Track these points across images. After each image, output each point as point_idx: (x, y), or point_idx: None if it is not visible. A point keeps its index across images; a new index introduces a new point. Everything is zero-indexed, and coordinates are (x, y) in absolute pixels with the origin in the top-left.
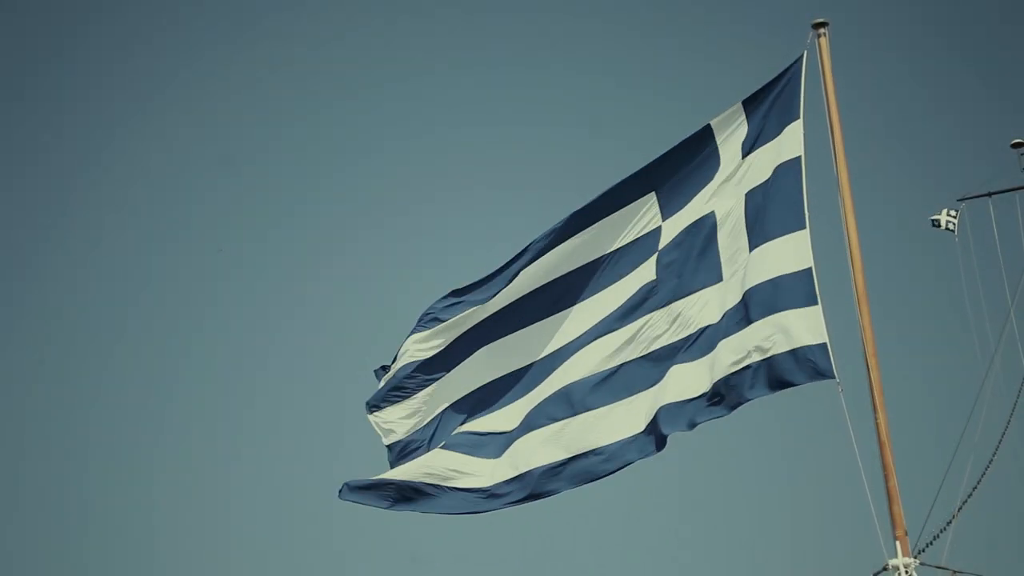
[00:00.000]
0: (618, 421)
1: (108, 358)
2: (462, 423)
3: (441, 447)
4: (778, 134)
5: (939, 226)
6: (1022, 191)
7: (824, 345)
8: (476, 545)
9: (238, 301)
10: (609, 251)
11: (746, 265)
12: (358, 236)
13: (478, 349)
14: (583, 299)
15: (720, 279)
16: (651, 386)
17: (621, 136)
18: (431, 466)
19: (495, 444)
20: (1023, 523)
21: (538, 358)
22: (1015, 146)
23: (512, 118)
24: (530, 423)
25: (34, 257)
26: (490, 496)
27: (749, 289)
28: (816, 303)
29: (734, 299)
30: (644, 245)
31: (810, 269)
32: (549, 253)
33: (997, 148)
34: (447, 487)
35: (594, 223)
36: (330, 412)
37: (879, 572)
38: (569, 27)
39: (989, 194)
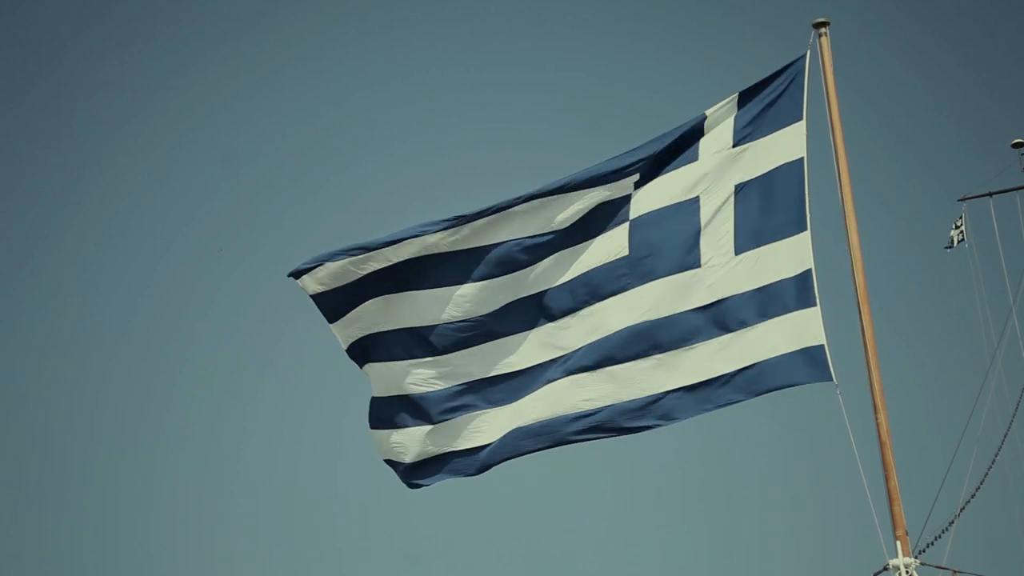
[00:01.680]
0: (605, 388)
1: (108, 358)
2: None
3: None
4: (776, 131)
5: (952, 245)
6: (1023, 191)
7: (821, 347)
8: (476, 545)
9: (238, 301)
10: (577, 217)
11: (744, 265)
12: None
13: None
14: (545, 261)
15: (699, 265)
16: (628, 361)
17: (621, 136)
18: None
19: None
20: (1023, 523)
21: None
22: (1016, 146)
23: (511, 118)
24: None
25: (34, 257)
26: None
27: (750, 292)
28: (815, 304)
29: (724, 292)
30: (612, 210)
31: (810, 271)
32: (511, 212)
33: (998, 148)
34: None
35: (571, 192)
36: (330, 412)
37: (879, 572)
38: (569, 27)
39: (990, 194)
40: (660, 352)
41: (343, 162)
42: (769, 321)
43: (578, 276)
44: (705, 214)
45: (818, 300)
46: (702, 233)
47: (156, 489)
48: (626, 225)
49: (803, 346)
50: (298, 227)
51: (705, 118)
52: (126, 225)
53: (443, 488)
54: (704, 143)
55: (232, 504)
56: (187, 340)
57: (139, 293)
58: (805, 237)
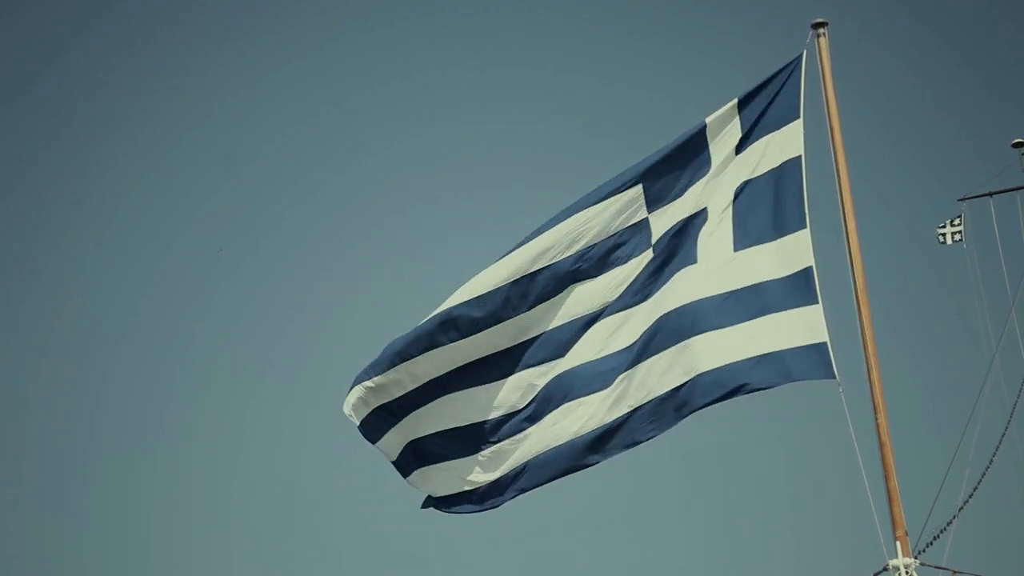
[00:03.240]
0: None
1: (108, 358)
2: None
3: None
4: (773, 131)
5: (944, 241)
6: (1023, 191)
7: (824, 344)
8: (475, 545)
9: (238, 301)
10: (593, 243)
11: (743, 262)
12: (358, 236)
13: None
14: (564, 289)
15: (695, 261)
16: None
17: (620, 136)
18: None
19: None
20: (1023, 523)
21: (518, 343)
22: (1016, 146)
23: (511, 118)
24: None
25: (34, 257)
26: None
27: (749, 287)
28: (817, 302)
29: (723, 288)
30: (632, 238)
31: (811, 268)
32: (526, 246)
33: (998, 148)
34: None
35: (574, 214)
36: (330, 413)
37: (879, 572)
38: (569, 27)
39: (990, 194)
40: (659, 351)
41: (343, 162)
42: (768, 317)
43: (602, 308)
44: (709, 218)
45: (820, 297)
46: (701, 234)
47: (156, 489)
48: (648, 252)
49: (806, 343)
50: (298, 227)
51: (705, 126)
52: (126, 225)
53: None
54: (714, 157)
55: (232, 504)
56: (187, 340)
57: (139, 293)
58: (805, 234)
